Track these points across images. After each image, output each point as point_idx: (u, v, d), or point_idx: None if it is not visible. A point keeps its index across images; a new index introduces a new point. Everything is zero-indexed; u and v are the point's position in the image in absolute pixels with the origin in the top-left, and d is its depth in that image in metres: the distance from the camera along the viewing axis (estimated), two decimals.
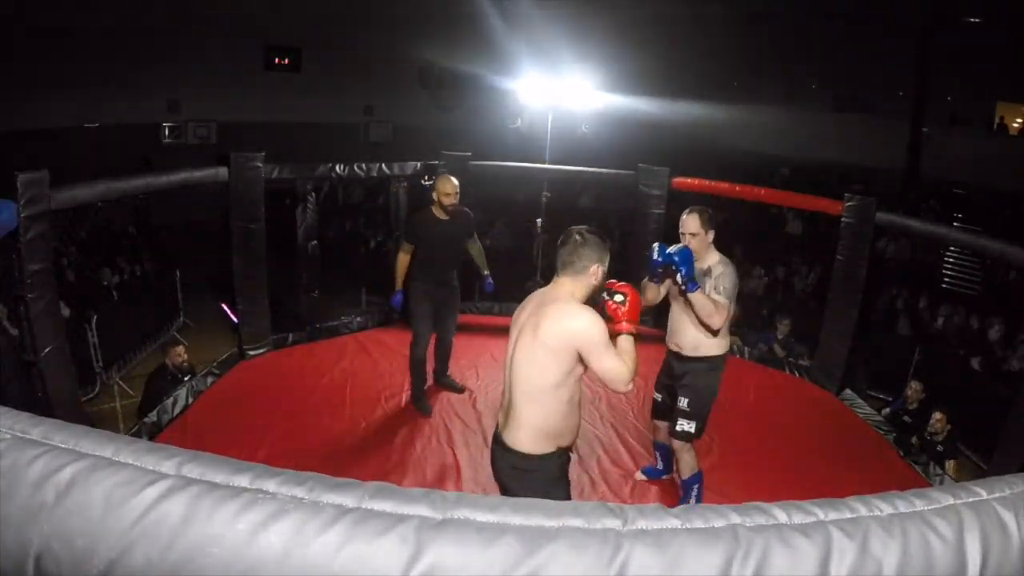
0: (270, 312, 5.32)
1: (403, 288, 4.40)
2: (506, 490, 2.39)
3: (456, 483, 3.80)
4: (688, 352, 3.34)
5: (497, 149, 8.52)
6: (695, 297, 3.02)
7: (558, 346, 2.16)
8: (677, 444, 3.42)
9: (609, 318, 2.33)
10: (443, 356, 4.75)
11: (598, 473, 3.97)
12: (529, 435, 2.26)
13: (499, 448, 2.35)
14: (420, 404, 4.52)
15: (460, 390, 4.81)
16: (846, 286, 5.26)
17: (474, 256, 4.58)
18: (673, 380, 3.48)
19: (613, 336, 2.27)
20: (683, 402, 3.37)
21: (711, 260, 3.20)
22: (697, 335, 3.25)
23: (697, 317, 3.11)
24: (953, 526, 0.80)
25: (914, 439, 4.85)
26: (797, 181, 10.78)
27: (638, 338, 2.38)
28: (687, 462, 3.41)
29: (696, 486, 3.44)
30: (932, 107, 12.15)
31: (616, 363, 2.18)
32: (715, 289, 3.11)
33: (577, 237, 2.28)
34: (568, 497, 2.39)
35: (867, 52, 12.15)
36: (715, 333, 3.20)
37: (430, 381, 4.75)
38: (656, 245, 3.06)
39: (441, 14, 11.66)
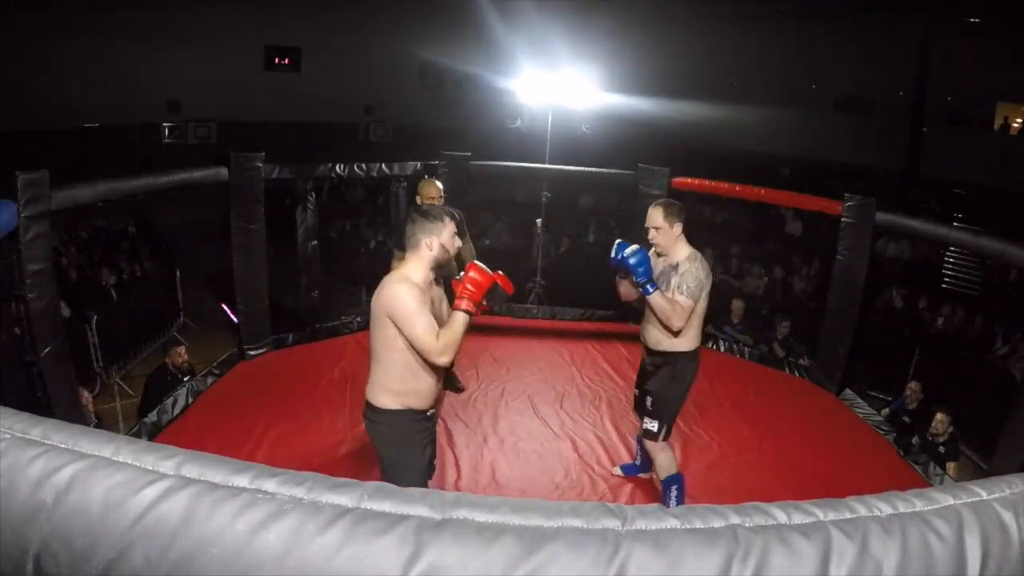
0: (270, 312, 5.31)
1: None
2: (374, 447, 2.64)
3: (456, 483, 3.80)
4: (652, 346, 3.29)
5: (497, 149, 8.51)
6: (652, 299, 2.98)
7: (379, 312, 2.42)
8: (648, 444, 3.35)
9: (453, 295, 2.50)
10: None
11: (598, 473, 3.97)
12: (374, 390, 2.53)
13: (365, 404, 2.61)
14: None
15: (458, 389, 4.81)
16: (846, 286, 5.26)
17: (464, 256, 4.42)
18: (644, 377, 3.42)
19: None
20: (647, 400, 3.30)
21: (679, 256, 3.11)
22: (658, 333, 3.20)
23: (656, 317, 3.09)
24: (953, 526, 0.80)
25: (915, 439, 4.84)
26: (797, 181, 10.77)
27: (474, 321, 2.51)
28: (662, 463, 3.33)
29: (674, 488, 3.33)
30: (932, 107, 12.14)
31: (424, 333, 2.35)
32: (678, 288, 3.03)
33: (412, 215, 2.53)
34: (427, 465, 2.68)
35: (867, 52, 12.13)
36: (675, 333, 3.13)
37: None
38: (616, 243, 3.03)
39: (441, 14, 11.66)
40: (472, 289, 2.45)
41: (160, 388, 4.84)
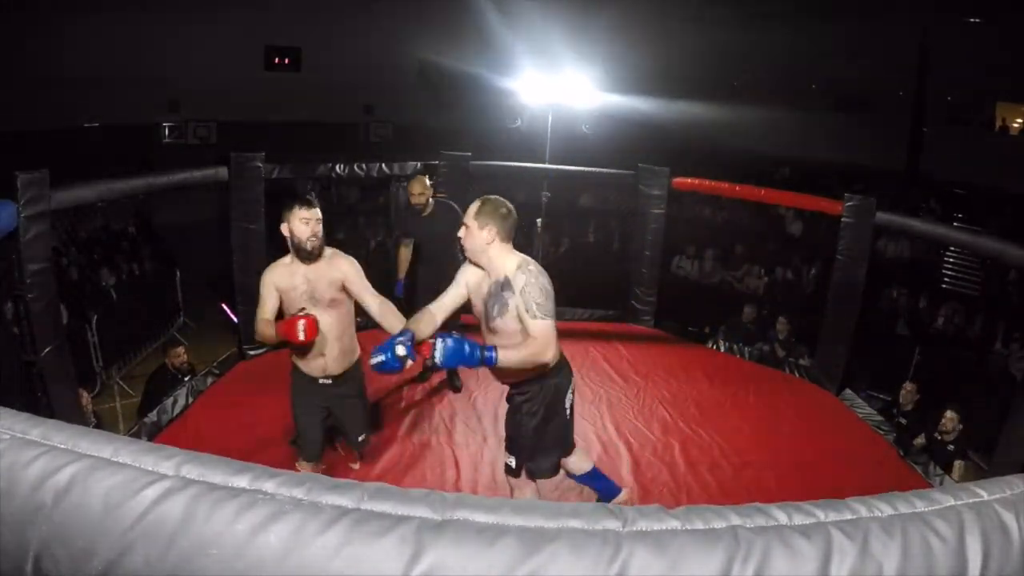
0: None
1: (405, 279, 4.68)
2: None
3: (456, 484, 3.80)
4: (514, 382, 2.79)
5: (497, 149, 8.52)
6: (504, 362, 2.39)
7: None
8: (510, 481, 2.90)
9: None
10: None
11: None
12: None
13: None
14: (422, 376, 4.85)
15: (457, 388, 4.85)
16: (846, 286, 5.26)
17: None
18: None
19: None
20: (504, 432, 2.91)
21: (505, 269, 2.53)
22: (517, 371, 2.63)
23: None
24: (954, 527, 0.80)
25: (920, 438, 4.83)
26: (797, 181, 10.76)
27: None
28: None
29: None
30: (932, 107, 12.14)
31: (259, 308, 2.94)
32: (527, 312, 2.46)
33: None
34: (306, 422, 3.13)
35: (867, 52, 12.13)
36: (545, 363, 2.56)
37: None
38: (437, 351, 2.31)
39: (441, 14, 11.66)
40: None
41: (160, 388, 4.84)
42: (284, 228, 2.86)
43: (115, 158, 8.73)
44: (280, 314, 2.96)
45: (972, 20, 11.10)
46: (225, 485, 0.76)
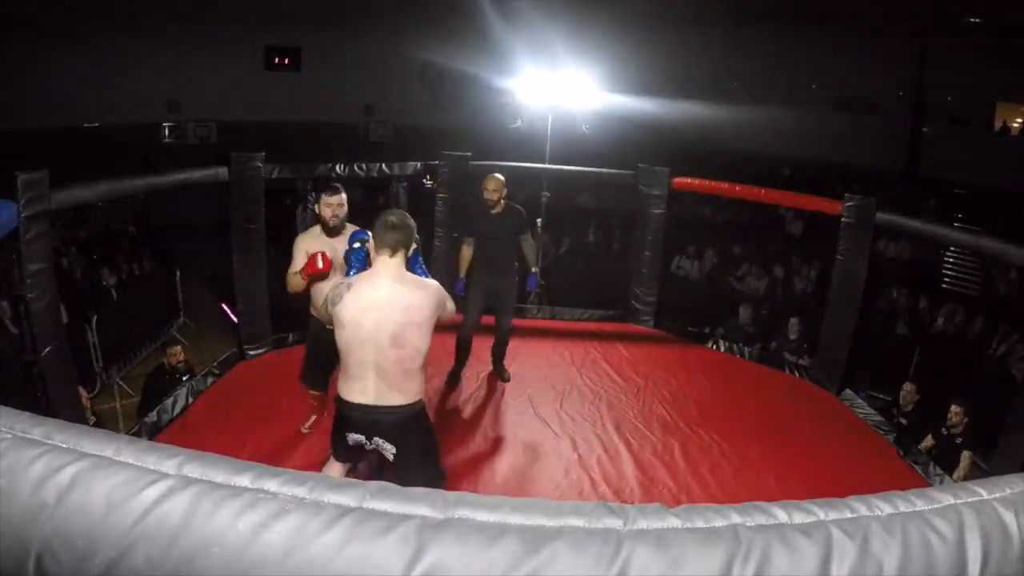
0: (270, 312, 5.31)
1: (464, 277, 4.75)
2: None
3: (457, 483, 3.80)
4: None
5: (497, 149, 8.51)
6: None
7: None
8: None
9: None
10: (498, 344, 4.97)
11: (599, 473, 3.97)
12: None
13: None
14: (453, 379, 4.87)
15: (506, 379, 5.02)
16: (846, 286, 5.26)
17: (525, 251, 4.74)
18: None
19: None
20: None
21: None
22: None
23: None
24: (953, 526, 0.80)
25: (928, 439, 4.85)
26: (797, 181, 10.77)
27: None
28: None
29: None
30: (932, 107, 12.13)
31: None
32: None
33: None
34: (317, 359, 3.74)
35: (867, 52, 12.13)
36: None
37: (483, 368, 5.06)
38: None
39: (441, 14, 11.65)
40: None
41: (159, 388, 4.84)
42: (317, 208, 3.61)
43: (115, 158, 8.73)
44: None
45: (972, 20, 11.09)
46: (227, 484, 0.76)
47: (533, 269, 4.85)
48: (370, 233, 2.66)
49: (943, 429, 4.79)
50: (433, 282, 2.59)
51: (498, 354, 5.03)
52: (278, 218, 5.60)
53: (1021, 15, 9.40)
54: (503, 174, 4.68)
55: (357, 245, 2.88)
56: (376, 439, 2.57)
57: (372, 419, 2.54)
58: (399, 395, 2.51)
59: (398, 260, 2.54)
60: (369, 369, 2.49)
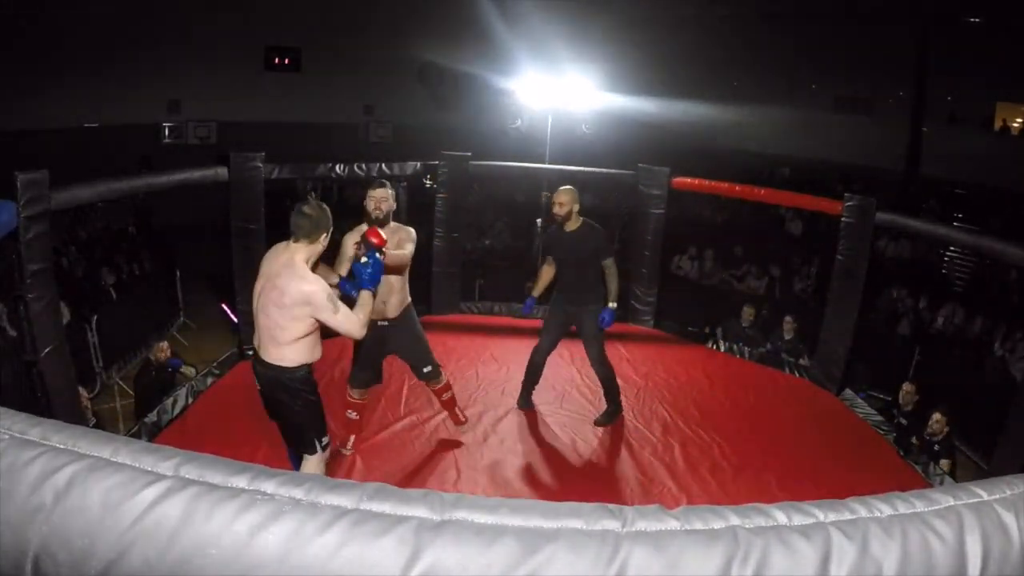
0: None
1: (539, 297, 4.50)
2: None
3: (455, 484, 3.80)
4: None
5: (497, 149, 8.51)
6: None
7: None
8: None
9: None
10: (601, 382, 4.44)
11: (598, 473, 3.97)
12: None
13: None
14: (521, 400, 4.64)
15: (599, 422, 4.54)
16: (846, 286, 5.26)
17: (606, 279, 4.18)
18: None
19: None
20: None
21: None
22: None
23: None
24: (953, 527, 0.80)
25: (914, 439, 4.84)
26: (797, 181, 10.77)
27: None
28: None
29: None
30: (932, 107, 12.13)
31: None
32: None
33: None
34: (362, 356, 3.80)
35: (867, 52, 12.13)
36: None
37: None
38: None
39: (441, 14, 11.66)
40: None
41: (148, 385, 4.85)
42: (364, 202, 3.61)
43: (115, 158, 8.73)
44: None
45: (972, 20, 11.10)
46: (224, 485, 0.76)
47: (610, 303, 4.15)
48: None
49: (925, 435, 4.75)
50: (314, 286, 2.72)
51: (607, 392, 4.44)
52: (278, 218, 5.58)
53: (1021, 15, 9.40)
54: (503, 174, 4.63)
55: (364, 260, 2.93)
56: (258, 385, 2.99)
57: (256, 367, 2.95)
58: (270, 355, 2.85)
59: (298, 246, 2.80)
60: (258, 326, 2.88)
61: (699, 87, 12.88)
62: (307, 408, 2.97)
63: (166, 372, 4.99)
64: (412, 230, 3.63)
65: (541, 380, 4.81)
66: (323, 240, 2.84)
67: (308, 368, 2.92)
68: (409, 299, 3.76)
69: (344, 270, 3.46)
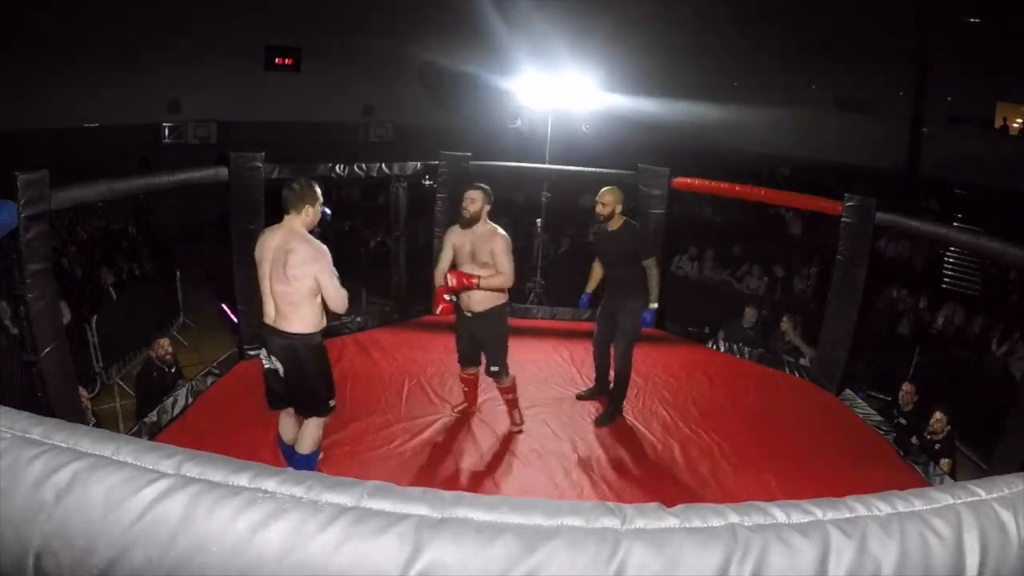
0: None
1: (591, 293, 4.68)
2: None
3: (455, 483, 3.80)
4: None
5: (497, 149, 8.51)
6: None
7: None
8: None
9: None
10: (614, 379, 4.56)
11: (598, 473, 3.97)
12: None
13: None
14: (588, 391, 4.88)
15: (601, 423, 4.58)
16: (846, 286, 5.26)
17: (647, 279, 4.31)
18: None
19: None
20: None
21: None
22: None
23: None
24: (952, 526, 0.80)
25: (914, 439, 4.84)
26: (797, 181, 10.77)
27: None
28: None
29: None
30: (932, 107, 12.14)
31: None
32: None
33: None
34: (456, 338, 4.20)
35: (867, 52, 12.14)
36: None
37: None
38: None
39: (441, 14, 11.66)
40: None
41: (148, 383, 4.84)
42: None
43: (115, 158, 8.72)
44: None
45: (972, 20, 11.10)
46: (225, 483, 0.76)
47: (651, 304, 4.30)
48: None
49: (926, 434, 4.76)
50: (323, 248, 3.09)
51: (615, 389, 4.52)
52: (278, 218, 5.58)
53: (1021, 15, 9.40)
54: (503, 174, 4.66)
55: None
56: (272, 356, 3.22)
57: (274, 341, 3.18)
58: (291, 324, 3.11)
59: (291, 217, 3.14)
60: (270, 297, 3.14)
61: (699, 87, 12.88)
62: (320, 372, 3.27)
63: (168, 371, 4.97)
64: (504, 238, 3.81)
65: (541, 380, 4.81)
66: (309, 211, 3.15)
67: (320, 336, 3.23)
68: (501, 300, 3.96)
69: (445, 265, 3.90)
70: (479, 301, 3.90)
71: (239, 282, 5.11)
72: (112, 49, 10.16)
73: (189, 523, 0.72)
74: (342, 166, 5.43)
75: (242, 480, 0.76)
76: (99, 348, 6.23)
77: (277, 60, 12.45)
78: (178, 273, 7.95)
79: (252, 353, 5.21)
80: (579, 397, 4.83)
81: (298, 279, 3.03)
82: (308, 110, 12.25)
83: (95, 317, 6.26)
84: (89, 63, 10.03)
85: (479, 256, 3.81)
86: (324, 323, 3.22)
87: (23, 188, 3.32)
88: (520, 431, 4.33)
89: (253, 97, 11.90)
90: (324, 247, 3.08)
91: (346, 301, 3.13)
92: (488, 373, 4.14)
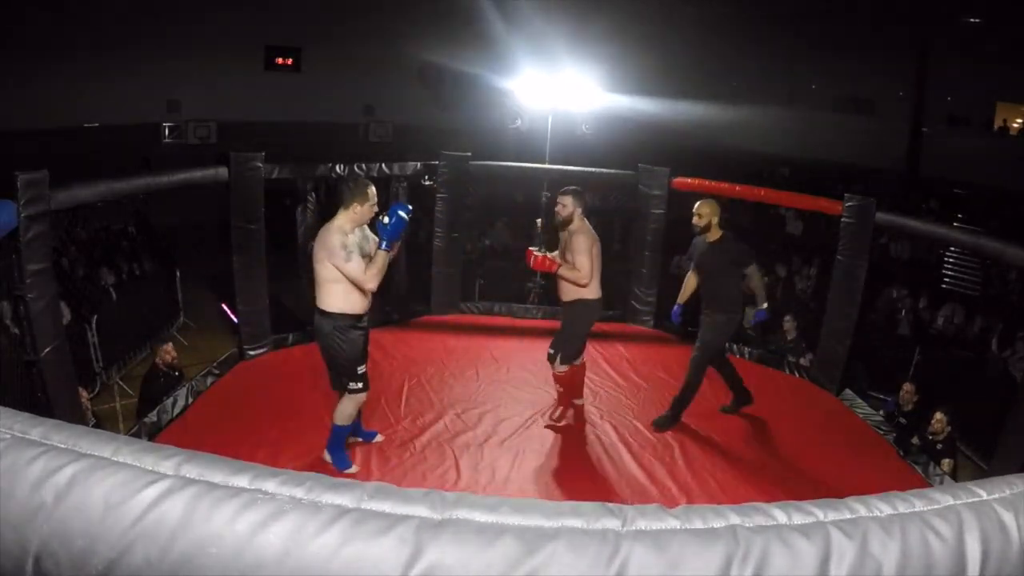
0: (270, 312, 5.31)
1: (683, 305, 4.68)
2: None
3: (456, 483, 3.80)
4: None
5: (497, 149, 8.51)
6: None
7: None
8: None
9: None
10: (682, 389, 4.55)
11: (598, 473, 3.97)
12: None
13: None
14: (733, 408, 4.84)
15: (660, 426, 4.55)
16: (846, 286, 5.26)
17: (753, 287, 4.43)
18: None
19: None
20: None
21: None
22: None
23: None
24: (953, 527, 0.80)
25: (915, 438, 4.84)
26: (797, 181, 10.77)
27: None
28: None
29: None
30: (932, 107, 12.14)
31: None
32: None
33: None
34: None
35: (867, 52, 12.14)
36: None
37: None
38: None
39: (441, 14, 11.67)
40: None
41: (153, 389, 4.84)
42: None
43: (115, 158, 8.72)
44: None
45: (972, 20, 11.10)
46: (225, 484, 0.76)
47: (763, 305, 4.43)
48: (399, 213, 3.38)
49: (927, 435, 4.76)
50: (331, 234, 3.33)
51: (680, 396, 4.49)
52: (278, 218, 5.59)
53: (1021, 15, 9.40)
54: (503, 174, 4.67)
55: (385, 220, 3.33)
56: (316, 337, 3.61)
57: (313, 320, 3.55)
58: (321, 303, 3.45)
59: (339, 212, 3.41)
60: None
61: (699, 87, 12.89)
62: (344, 347, 3.50)
63: (173, 375, 4.97)
64: (584, 236, 4.00)
65: (541, 381, 4.80)
66: (357, 208, 3.37)
67: (345, 317, 3.45)
68: (585, 295, 4.12)
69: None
70: (565, 291, 4.17)
71: (239, 282, 5.11)
72: (112, 49, 10.17)
73: (189, 524, 0.72)
74: (342, 166, 5.43)
75: (242, 481, 0.76)
76: (99, 348, 6.23)
77: (277, 60, 12.46)
78: (178, 273, 7.95)
79: (252, 353, 5.22)
80: (723, 411, 4.79)
81: (317, 263, 3.36)
82: (308, 110, 12.26)
83: (95, 317, 6.26)
84: (89, 63, 10.04)
85: (569, 253, 4.10)
86: (358, 309, 3.47)
87: (23, 188, 3.32)
88: (581, 398, 4.55)
89: (253, 97, 11.91)
90: (338, 231, 3.32)
91: (372, 276, 3.34)
92: (549, 357, 4.31)
